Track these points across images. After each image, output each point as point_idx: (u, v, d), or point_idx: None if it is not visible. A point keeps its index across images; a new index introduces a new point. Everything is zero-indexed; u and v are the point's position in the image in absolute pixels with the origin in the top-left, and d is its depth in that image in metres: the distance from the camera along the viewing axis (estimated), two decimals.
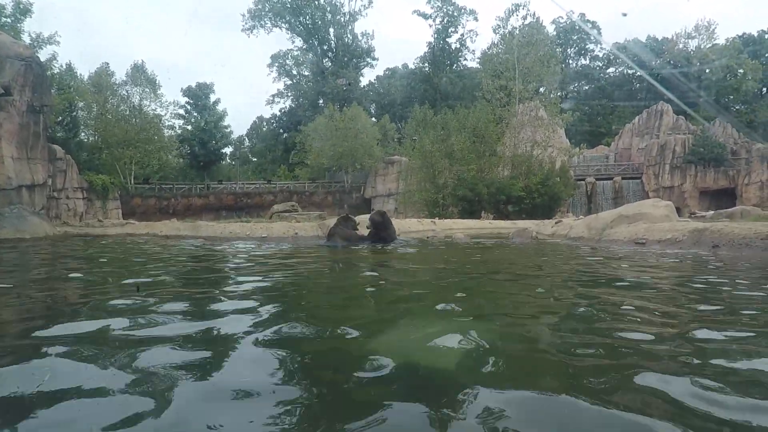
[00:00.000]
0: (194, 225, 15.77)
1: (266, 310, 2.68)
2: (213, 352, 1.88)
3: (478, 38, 74.96)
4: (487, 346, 1.94)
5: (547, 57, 34.08)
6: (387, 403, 1.40)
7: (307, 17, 53.66)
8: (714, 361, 1.76)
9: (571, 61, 59.13)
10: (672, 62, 49.37)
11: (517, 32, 35.34)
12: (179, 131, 45.31)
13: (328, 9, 53.98)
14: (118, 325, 2.30)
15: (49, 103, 24.12)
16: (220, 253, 7.81)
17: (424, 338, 2.05)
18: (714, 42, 49.28)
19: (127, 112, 36.85)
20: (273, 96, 57.12)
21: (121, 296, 3.18)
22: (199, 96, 47.78)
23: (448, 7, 53.29)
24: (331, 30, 54.98)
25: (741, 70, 46.42)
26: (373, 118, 51.00)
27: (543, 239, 11.01)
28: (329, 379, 1.64)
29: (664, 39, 53.46)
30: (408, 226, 15.60)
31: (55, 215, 24.58)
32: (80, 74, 37.31)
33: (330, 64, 55.17)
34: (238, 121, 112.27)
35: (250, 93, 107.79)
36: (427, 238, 11.63)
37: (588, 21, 58.36)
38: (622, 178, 38.85)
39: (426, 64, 55.90)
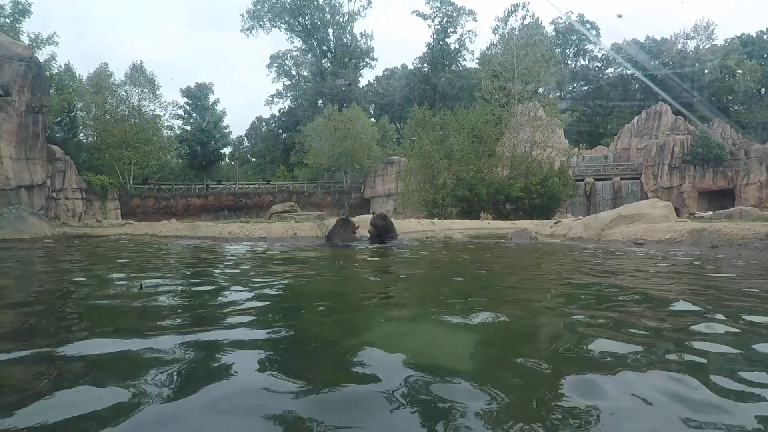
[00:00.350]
0: (193, 225, 15.74)
1: (265, 310, 2.68)
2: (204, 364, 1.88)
3: (477, 39, 74.83)
4: (487, 348, 1.94)
5: (546, 57, 34.10)
6: (385, 403, 1.40)
7: (306, 18, 53.66)
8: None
9: (570, 62, 59.17)
10: (671, 63, 49.45)
11: (516, 33, 35.40)
12: (178, 131, 45.32)
13: (327, 9, 53.99)
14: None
15: (48, 104, 24.11)
16: (219, 253, 7.81)
17: (421, 339, 2.05)
18: (713, 42, 49.36)
19: (126, 113, 36.82)
20: (272, 96, 57.14)
21: (123, 293, 3.20)
22: (198, 96, 47.80)
23: (447, 8, 53.32)
24: (330, 30, 54.99)
25: (740, 71, 46.49)
26: (372, 119, 51.02)
27: (542, 239, 11.02)
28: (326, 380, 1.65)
29: (662, 39, 53.53)
30: (407, 227, 15.60)
31: (54, 216, 24.55)
32: (79, 75, 37.34)
33: (329, 64, 55.17)
34: (237, 122, 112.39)
35: (249, 93, 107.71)
36: (426, 238, 11.64)
37: (587, 21, 58.49)
38: (621, 179, 38.89)
39: (425, 65, 55.91)
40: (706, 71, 46.77)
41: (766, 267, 5.21)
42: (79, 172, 29.09)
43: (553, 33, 53.82)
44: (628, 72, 56.12)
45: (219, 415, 1.33)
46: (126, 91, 37.49)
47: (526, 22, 36.79)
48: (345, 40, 55.13)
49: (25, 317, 2.69)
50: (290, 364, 1.78)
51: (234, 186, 42.28)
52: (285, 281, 4.17)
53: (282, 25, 54.24)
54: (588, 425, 1.29)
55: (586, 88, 58.44)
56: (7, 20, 31.55)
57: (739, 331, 2.20)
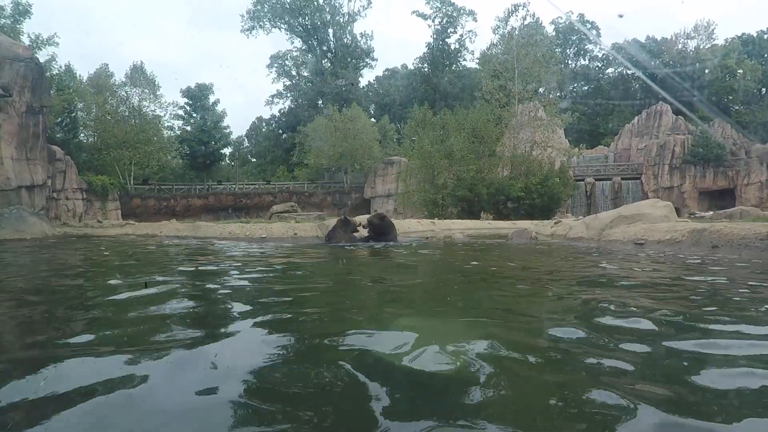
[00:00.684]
0: (194, 226, 15.75)
1: (264, 309, 2.68)
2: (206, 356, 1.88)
3: (477, 39, 74.76)
4: (488, 350, 1.94)
5: (547, 57, 34.11)
6: (385, 405, 1.40)
7: (306, 18, 53.68)
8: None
9: (570, 62, 59.16)
10: (671, 63, 49.42)
11: (517, 33, 35.38)
12: (179, 132, 45.37)
13: (327, 10, 54.00)
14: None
15: (49, 104, 24.13)
16: (220, 253, 7.81)
17: (417, 341, 2.05)
18: (713, 42, 49.32)
19: (127, 113, 36.87)
20: (272, 96, 57.17)
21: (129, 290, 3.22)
22: (198, 97, 47.83)
23: (447, 8, 53.32)
24: (330, 31, 55.00)
25: (740, 71, 46.45)
26: (373, 119, 51.02)
27: (542, 240, 11.02)
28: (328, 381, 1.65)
29: (663, 39, 53.49)
30: (407, 227, 15.61)
31: (55, 216, 24.56)
32: (79, 75, 37.41)
33: (329, 64, 55.18)
34: (237, 122, 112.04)
35: (249, 94, 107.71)
36: (427, 238, 11.63)
37: (587, 21, 58.45)
38: (622, 179, 38.88)
39: (425, 65, 55.90)
40: (706, 71, 46.74)
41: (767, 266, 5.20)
42: (80, 172, 29.12)
43: (553, 33, 53.83)
44: (628, 72, 56.07)
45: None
46: (126, 92, 37.56)
47: (526, 22, 36.81)
48: (345, 41, 55.15)
49: (32, 315, 2.70)
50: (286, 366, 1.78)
51: (234, 186, 42.30)
52: (283, 279, 4.17)
53: (282, 26, 54.27)
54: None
55: (586, 88, 58.44)
56: (8, 21, 31.59)
57: None
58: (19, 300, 3.35)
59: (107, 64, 39.44)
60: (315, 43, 54.98)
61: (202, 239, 12.32)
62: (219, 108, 48.69)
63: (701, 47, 49.28)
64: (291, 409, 1.38)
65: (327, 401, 1.45)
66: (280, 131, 56.28)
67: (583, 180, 38.24)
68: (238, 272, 4.88)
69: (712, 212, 25.29)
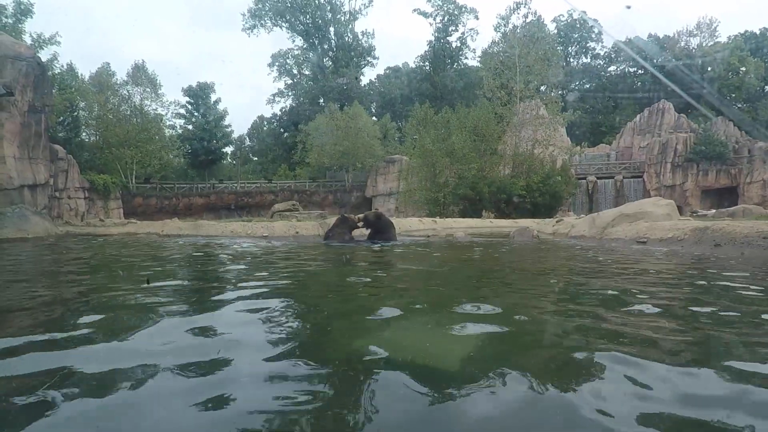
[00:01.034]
0: (196, 224, 15.78)
1: (266, 307, 2.68)
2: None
3: (479, 37, 74.86)
4: (485, 352, 1.93)
5: (548, 55, 34.02)
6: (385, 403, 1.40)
7: (308, 16, 53.62)
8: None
9: (572, 60, 59.01)
10: (674, 60, 49.23)
11: (518, 30, 35.29)
12: (180, 131, 45.40)
13: (329, 8, 53.93)
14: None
15: (51, 103, 24.15)
16: (221, 252, 7.82)
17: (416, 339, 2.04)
18: (716, 40, 49.17)
19: (128, 112, 36.89)
20: (274, 95, 57.26)
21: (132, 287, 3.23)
22: (199, 95, 47.85)
23: (449, 6, 53.23)
24: (332, 29, 54.93)
25: (743, 68, 46.27)
26: (374, 117, 50.99)
27: (544, 238, 11.01)
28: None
29: (665, 37, 53.33)
30: (409, 225, 15.61)
31: (57, 215, 24.62)
32: (81, 74, 37.43)
33: (330, 63, 55.14)
34: (238, 121, 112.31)
35: (250, 93, 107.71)
36: (428, 237, 11.63)
37: (589, 19, 58.23)
38: (624, 177, 38.80)
39: (426, 63, 55.84)
40: (709, 68, 46.58)
41: None
42: (82, 171, 29.17)
43: (555, 31, 53.66)
44: (630, 70, 55.97)
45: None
46: (128, 91, 37.60)
47: (528, 20, 36.67)
48: (346, 39, 55.09)
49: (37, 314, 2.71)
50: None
51: (236, 185, 42.34)
52: (281, 278, 4.17)
53: (283, 24, 54.22)
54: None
55: (588, 86, 58.28)
56: (10, 20, 31.63)
57: None
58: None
59: (109, 63, 39.60)
60: (316, 42, 54.93)
61: (204, 237, 12.34)
62: (220, 107, 48.75)
63: (704, 45, 49.13)
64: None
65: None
66: (282, 130, 56.30)
67: (585, 178, 38.17)
68: (232, 272, 4.87)
69: (714, 210, 25.21)
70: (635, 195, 35.70)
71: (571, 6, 63.58)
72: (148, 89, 38.00)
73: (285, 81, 56.88)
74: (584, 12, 57.50)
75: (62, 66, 35.58)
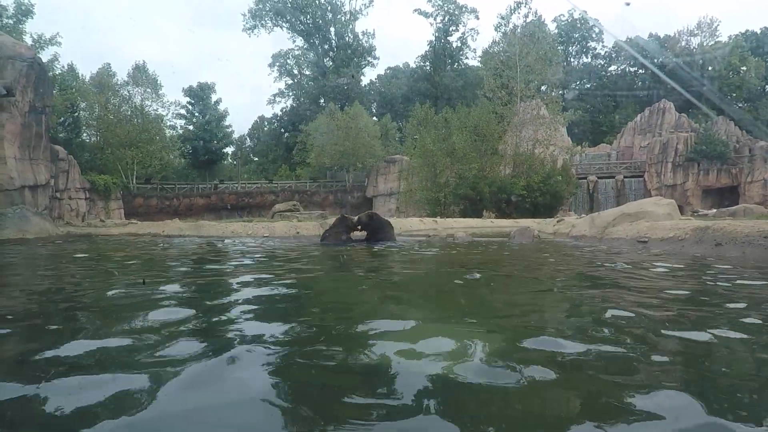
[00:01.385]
0: (196, 225, 15.79)
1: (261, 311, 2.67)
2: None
3: (479, 37, 74.78)
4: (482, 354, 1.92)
5: (549, 55, 33.99)
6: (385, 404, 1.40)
7: (308, 16, 53.62)
8: None
9: (572, 59, 58.96)
10: (675, 59, 49.16)
11: (519, 30, 35.26)
12: (181, 131, 45.45)
13: (329, 8, 53.93)
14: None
15: (51, 104, 24.16)
16: (222, 252, 7.82)
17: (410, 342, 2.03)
18: (717, 39, 49.07)
19: (129, 113, 36.93)
20: (274, 95, 57.31)
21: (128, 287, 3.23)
22: (200, 96, 47.89)
23: (449, 6, 53.21)
24: (332, 29, 54.92)
25: (744, 68, 46.20)
26: (375, 117, 50.97)
27: (545, 238, 11.00)
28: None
29: (666, 36, 53.27)
30: (409, 225, 15.62)
31: (58, 215, 24.64)
32: (82, 75, 37.47)
33: (331, 63, 55.14)
34: (239, 121, 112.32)
35: (251, 93, 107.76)
36: (429, 237, 11.63)
37: (590, 18, 58.18)
38: (624, 177, 38.74)
39: (427, 63, 55.82)
40: (709, 68, 46.52)
41: None
42: (83, 172, 29.19)
43: (555, 31, 53.62)
44: (631, 69, 55.91)
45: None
46: (129, 91, 37.63)
47: (528, 20, 36.65)
48: (347, 39, 55.08)
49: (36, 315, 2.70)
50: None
51: (237, 185, 42.35)
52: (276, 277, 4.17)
53: (284, 24, 54.22)
54: None
55: (588, 85, 58.23)
56: (10, 21, 31.66)
57: None
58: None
59: (109, 64, 39.59)
60: (317, 42, 54.93)
61: (205, 238, 12.34)
62: (221, 107, 48.80)
63: (705, 44, 49.03)
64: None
65: None
66: (282, 130, 56.31)
67: (585, 178, 38.12)
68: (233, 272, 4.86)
69: (715, 210, 25.16)
70: (636, 195, 35.64)
71: (572, 5, 63.59)
72: (148, 90, 38.04)
73: (285, 81, 56.98)
74: (585, 12, 57.52)
75: (63, 66, 35.67)
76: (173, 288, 3.64)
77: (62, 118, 32.21)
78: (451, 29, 54.52)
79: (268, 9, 53.30)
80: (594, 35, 57.66)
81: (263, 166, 53.74)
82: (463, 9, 53.65)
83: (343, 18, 54.63)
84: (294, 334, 2.18)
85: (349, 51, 54.69)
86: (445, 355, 1.78)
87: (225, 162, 52.17)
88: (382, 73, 61.62)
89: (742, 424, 1.24)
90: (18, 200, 19.53)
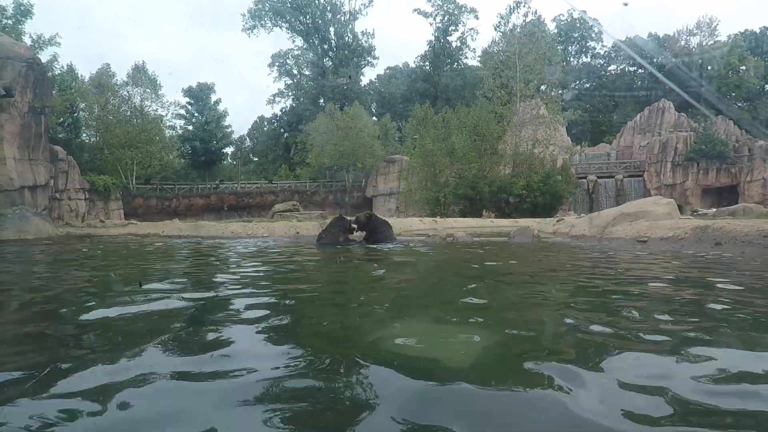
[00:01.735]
0: (196, 225, 15.79)
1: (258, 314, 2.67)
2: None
3: (479, 36, 74.85)
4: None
5: (548, 54, 33.98)
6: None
7: (308, 16, 53.61)
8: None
9: (572, 59, 58.97)
10: (674, 59, 49.20)
11: (518, 30, 35.26)
12: (180, 131, 45.44)
13: (329, 8, 53.92)
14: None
15: (51, 104, 24.16)
16: (221, 253, 7.82)
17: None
18: (716, 39, 49.12)
19: (129, 113, 36.91)
20: (274, 95, 57.23)
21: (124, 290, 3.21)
22: (199, 96, 47.89)
23: (449, 6, 53.20)
24: (332, 29, 54.92)
25: (743, 67, 46.21)
26: (374, 117, 50.97)
27: (545, 238, 10.99)
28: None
29: (665, 36, 53.29)
30: (409, 225, 15.62)
31: (58, 216, 24.63)
32: (81, 75, 37.45)
33: (330, 63, 55.14)
34: (239, 121, 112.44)
35: (250, 93, 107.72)
36: (428, 236, 11.62)
37: (589, 18, 58.19)
38: (624, 176, 38.74)
39: (426, 63, 55.81)
40: (709, 68, 46.53)
41: None
42: (82, 172, 29.17)
43: (555, 30, 53.63)
44: (630, 69, 55.92)
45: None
46: (128, 92, 37.63)
47: (528, 20, 36.64)
48: (346, 39, 55.07)
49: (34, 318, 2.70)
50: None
51: (236, 185, 42.34)
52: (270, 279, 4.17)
53: (283, 24, 54.21)
54: None
55: (588, 85, 58.25)
56: (9, 21, 31.63)
57: None
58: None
59: (109, 64, 39.52)
60: (316, 42, 54.91)
61: (204, 238, 12.33)
62: (221, 107, 48.80)
63: (704, 44, 49.06)
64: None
65: None
66: (282, 130, 56.30)
67: (585, 178, 38.11)
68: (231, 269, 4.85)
69: (714, 209, 25.17)
70: (636, 194, 35.65)
71: (571, 6, 63.57)
72: (148, 90, 38.03)
73: (285, 81, 56.96)
74: (584, 11, 57.50)
75: (62, 67, 35.62)
76: (167, 291, 3.62)
77: (61, 119, 32.19)
78: (450, 29, 54.53)
79: (267, 9, 53.28)
80: (593, 35, 57.69)
81: (263, 166, 53.73)
82: (463, 9, 53.70)
83: (342, 18, 54.62)
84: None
85: (349, 51, 54.69)
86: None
87: (224, 162, 52.17)
88: (382, 73, 61.68)
89: None
90: (18, 201, 19.53)
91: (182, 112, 46.63)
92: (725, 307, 2.76)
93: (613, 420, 1.28)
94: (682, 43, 50.42)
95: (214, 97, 48.77)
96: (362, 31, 56.30)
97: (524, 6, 36.66)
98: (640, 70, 54.03)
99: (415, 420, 1.29)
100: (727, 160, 36.31)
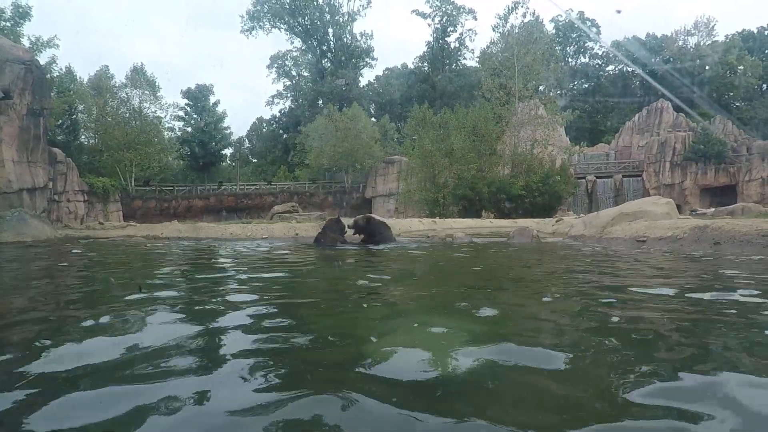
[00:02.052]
0: (195, 227, 15.78)
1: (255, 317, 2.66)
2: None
3: (477, 37, 74.74)
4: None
5: (547, 55, 34.05)
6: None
7: (306, 18, 53.66)
8: None
9: (570, 59, 59.04)
10: (671, 59, 49.29)
11: (517, 30, 35.33)
12: (179, 133, 45.41)
13: (327, 9, 53.97)
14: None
15: (49, 107, 24.14)
16: (220, 254, 7.81)
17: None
18: (713, 39, 49.19)
19: (127, 115, 36.88)
20: (272, 97, 57.14)
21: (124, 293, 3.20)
22: (198, 98, 47.91)
23: (447, 7, 53.28)
24: (330, 30, 54.97)
25: (741, 67, 46.33)
26: (373, 118, 51.00)
27: (544, 238, 11.00)
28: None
29: (663, 36, 53.36)
30: (409, 226, 15.62)
31: (56, 218, 24.58)
32: (80, 77, 37.47)
33: (329, 64, 55.16)
34: (237, 123, 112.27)
35: (249, 94, 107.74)
36: (428, 237, 11.64)
37: (587, 19, 58.30)
38: (623, 176, 38.80)
39: (425, 64, 55.86)
40: (707, 67, 46.62)
41: None
42: (81, 174, 29.13)
43: (553, 31, 53.72)
44: (629, 69, 55.97)
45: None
46: (127, 93, 37.56)
47: (526, 20, 36.77)
48: (345, 40, 55.11)
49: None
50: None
51: (235, 187, 42.31)
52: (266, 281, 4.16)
53: (282, 26, 54.26)
54: None
55: (586, 85, 58.32)
56: (8, 23, 31.60)
57: None
58: None
59: (107, 66, 39.48)
60: (315, 43, 54.95)
61: (203, 240, 12.32)
62: (219, 109, 48.83)
63: (701, 44, 49.14)
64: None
65: None
66: (281, 131, 56.30)
67: (584, 178, 38.17)
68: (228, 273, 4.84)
69: (713, 209, 25.21)
70: (634, 194, 35.69)
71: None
72: (146, 92, 37.99)
73: (284, 82, 56.99)
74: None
75: (61, 69, 35.61)
76: (167, 298, 3.57)
77: (60, 121, 32.16)
78: (449, 30, 54.60)
79: (266, 11, 53.32)
80: (591, 36, 57.78)
81: (262, 168, 53.69)
82: (461, 10, 53.77)
83: (340, 19, 54.68)
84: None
85: (348, 52, 54.72)
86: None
87: (223, 164, 52.15)
88: (381, 74, 61.70)
89: None
90: (16, 203, 19.49)
91: (181, 113, 46.67)
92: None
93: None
94: (680, 43, 50.49)
95: (212, 99, 48.83)
96: (360, 33, 56.46)
97: (522, 7, 36.79)
98: (638, 71, 54.14)
99: None
100: (725, 159, 36.39)
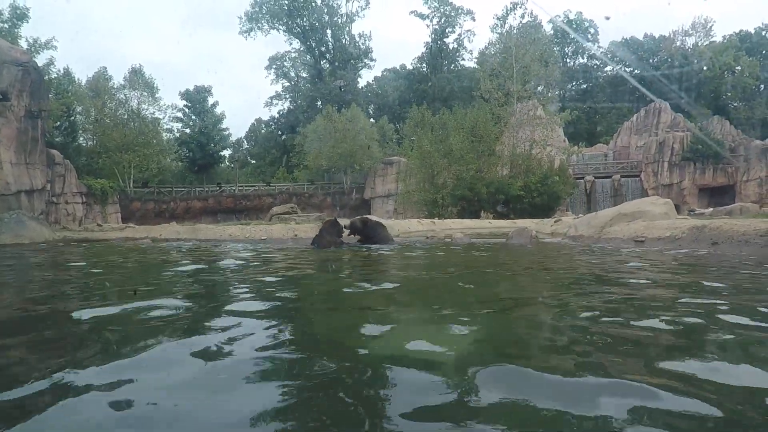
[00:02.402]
0: (194, 228, 15.76)
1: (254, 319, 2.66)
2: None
3: (476, 38, 75.06)
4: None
5: (545, 56, 34.15)
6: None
7: (304, 19, 53.68)
8: None
9: (568, 60, 59.15)
10: (669, 60, 49.41)
11: (515, 31, 35.43)
12: (178, 134, 45.40)
13: (325, 11, 54.00)
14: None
15: (47, 108, 24.12)
16: (219, 256, 7.80)
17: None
18: (711, 39, 49.37)
19: (126, 116, 36.83)
20: (271, 98, 57.14)
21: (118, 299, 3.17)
22: (197, 99, 47.91)
23: (445, 8, 53.34)
24: (329, 32, 55.00)
25: (738, 67, 46.46)
26: (372, 119, 51.02)
27: (543, 238, 11.01)
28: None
29: (661, 37, 53.53)
30: (408, 227, 15.63)
31: (55, 220, 24.54)
32: (78, 79, 37.38)
33: (327, 65, 55.18)
34: (236, 124, 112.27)
35: (248, 96, 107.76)
36: (427, 238, 11.64)
37: (585, 20, 58.43)
38: (621, 177, 38.87)
39: (423, 65, 55.91)
40: (704, 68, 46.74)
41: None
42: (79, 176, 29.08)
43: (551, 32, 53.83)
44: (627, 69, 56.08)
45: None
46: (125, 95, 37.53)
47: (524, 21, 36.91)
48: (343, 41, 55.14)
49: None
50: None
51: (234, 188, 42.28)
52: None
53: (280, 27, 54.27)
54: None
55: (585, 86, 58.42)
56: (5, 25, 31.55)
57: None
58: None
59: (105, 68, 39.44)
60: (313, 44, 54.96)
61: (202, 241, 12.30)
62: (218, 110, 48.85)
63: (699, 44, 49.31)
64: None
65: None
66: (280, 132, 56.30)
67: (582, 178, 38.23)
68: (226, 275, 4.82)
69: (711, 209, 25.26)
70: (633, 194, 35.75)
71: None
72: (145, 93, 37.96)
73: (282, 84, 57.00)
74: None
75: (59, 70, 35.54)
76: (162, 302, 3.47)
77: (58, 123, 32.09)
78: (447, 31, 54.65)
79: (264, 12, 53.33)
80: (589, 36, 57.92)
81: (260, 169, 53.66)
82: (459, 10, 53.83)
83: (339, 20, 54.71)
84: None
85: (346, 54, 54.74)
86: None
87: (222, 165, 52.11)
88: (379, 75, 61.75)
89: None
90: (14, 205, 19.46)
91: (179, 115, 46.67)
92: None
93: None
94: (678, 43, 50.65)
95: (211, 100, 48.85)
96: (359, 34, 56.48)
97: (520, 8, 36.90)
98: (636, 71, 54.27)
99: None
100: (723, 160, 36.48)
